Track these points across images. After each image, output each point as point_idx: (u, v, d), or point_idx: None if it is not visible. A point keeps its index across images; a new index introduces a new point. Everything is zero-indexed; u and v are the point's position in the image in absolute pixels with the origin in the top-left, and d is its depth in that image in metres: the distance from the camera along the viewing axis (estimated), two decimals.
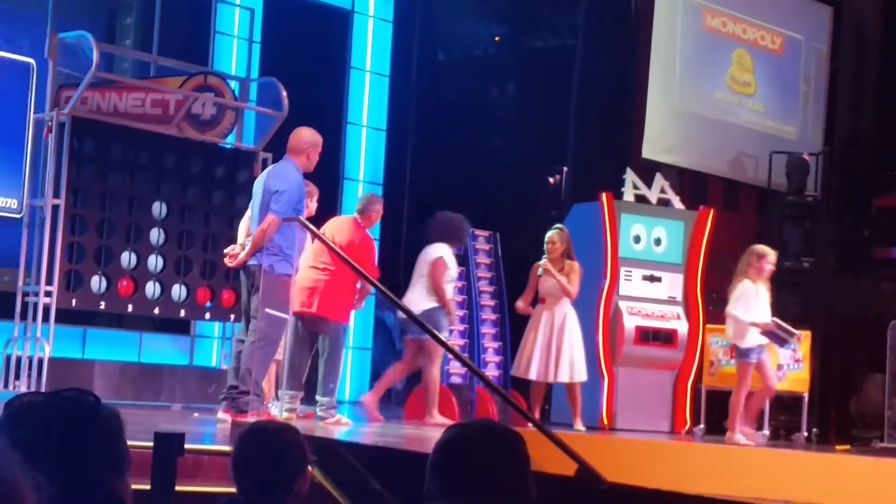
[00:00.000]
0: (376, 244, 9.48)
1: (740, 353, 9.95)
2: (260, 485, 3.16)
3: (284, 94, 10.28)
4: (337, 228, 8.76)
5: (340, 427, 8.17)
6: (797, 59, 14.25)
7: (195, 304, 9.95)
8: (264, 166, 10.25)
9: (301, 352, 8.39)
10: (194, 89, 10.31)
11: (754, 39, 13.89)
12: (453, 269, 9.35)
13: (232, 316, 10.17)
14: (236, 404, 7.50)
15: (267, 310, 7.44)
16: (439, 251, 9.26)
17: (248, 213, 8.09)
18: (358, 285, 8.51)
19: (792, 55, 14.16)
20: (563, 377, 9.62)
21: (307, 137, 7.88)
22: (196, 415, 8.68)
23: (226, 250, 7.98)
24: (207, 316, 10.16)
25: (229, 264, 7.92)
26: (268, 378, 8.99)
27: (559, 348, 9.55)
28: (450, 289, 9.31)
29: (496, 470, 2.54)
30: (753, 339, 9.84)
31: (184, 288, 9.88)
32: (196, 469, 5.34)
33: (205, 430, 7.64)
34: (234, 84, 10.85)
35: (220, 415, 7.67)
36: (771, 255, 10.04)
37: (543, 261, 9.69)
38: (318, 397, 8.42)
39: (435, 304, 9.14)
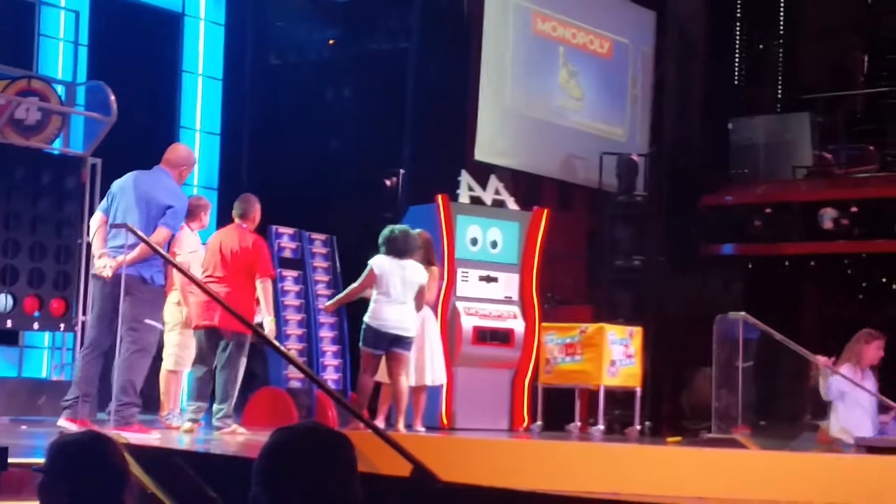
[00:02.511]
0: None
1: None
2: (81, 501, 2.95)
3: (113, 98, 10.05)
4: (227, 236, 8.64)
5: (236, 437, 8.05)
6: (625, 63, 14.60)
7: (23, 313, 9.64)
8: (93, 172, 10.02)
9: (206, 365, 8.42)
10: (18, 94, 10.01)
11: (583, 44, 14.18)
12: None
13: (62, 325, 9.90)
14: (121, 416, 7.26)
15: (147, 321, 7.28)
16: (426, 273, 9.20)
17: (99, 217, 7.72)
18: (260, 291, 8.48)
19: (620, 59, 14.50)
20: (426, 380, 9.66)
21: (184, 154, 7.80)
22: (24, 427, 8.43)
23: (98, 264, 7.62)
24: (36, 326, 9.86)
25: (106, 274, 7.52)
26: (166, 390, 8.85)
27: (420, 352, 9.58)
28: None
29: (319, 473, 2.55)
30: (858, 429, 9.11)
31: (10, 298, 9.57)
32: (21, 484, 5.17)
33: (33, 443, 7.42)
34: (60, 88, 10.56)
35: (62, 422, 7.39)
36: (881, 339, 9.36)
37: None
38: (215, 406, 8.37)
39: None
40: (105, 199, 7.79)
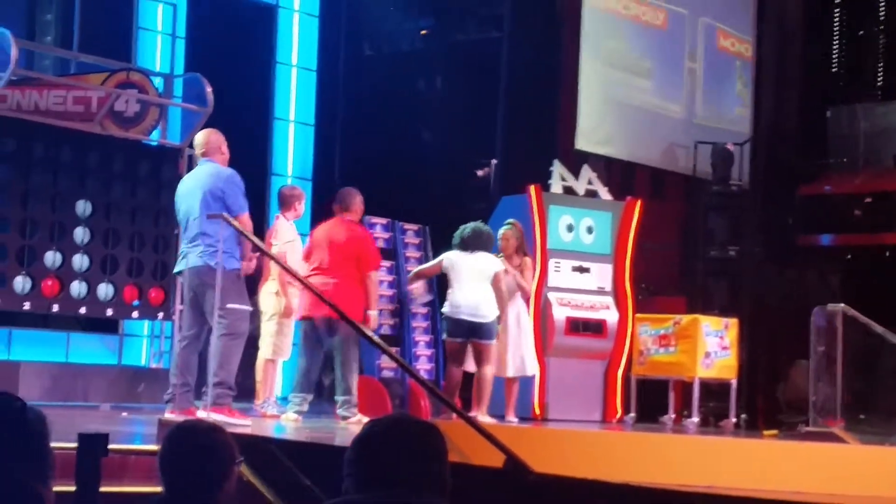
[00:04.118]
0: (304, 238, 9.42)
1: None
2: (188, 485, 3.09)
3: (209, 89, 10.18)
4: (334, 229, 8.72)
5: (340, 425, 8.14)
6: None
7: (122, 302, 9.83)
8: (190, 163, 10.15)
9: (312, 355, 8.55)
10: (117, 86, 10.19)
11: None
12: None
13: (160, 314, 10.07)
14: (213, 398, 7.31)
15: (229, 305, 7.36)
16: (499, 263, 9.22)
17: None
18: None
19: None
20: (527, 370, 9.70)
21: (213, 138, 7.78)
22: (124, 414, 8.59)
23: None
24: (135, 314, 10.05)
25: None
26: (263, 379, 8.97)
27: (518, 343, 9.59)
28: None
29: (410, 463, 2.56)
30: None
31: (110, 287, 9.76)
32: (122, 470, 5.28)
33: (133, 429, 7.57)
34: (157, 80, 10.73)
35: (168, 416, 7.45)
36: None
37: (500, 257, 9.64)
38: (337, 397, 8.52)
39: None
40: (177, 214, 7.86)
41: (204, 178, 7.61)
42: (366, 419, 8.33)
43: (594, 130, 12.84)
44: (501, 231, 9.72)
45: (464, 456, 4.54)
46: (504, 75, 13.15)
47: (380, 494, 2.55)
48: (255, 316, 8.59)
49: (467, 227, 9.29)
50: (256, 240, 7.26)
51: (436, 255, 10.73)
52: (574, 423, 10.53)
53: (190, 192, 7.64)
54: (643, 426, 10.64)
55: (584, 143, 12.61)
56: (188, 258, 7.52)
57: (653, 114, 13.54)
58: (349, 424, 8.24)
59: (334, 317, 8.29)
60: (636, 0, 13.48)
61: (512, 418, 9.64)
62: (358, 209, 8.89)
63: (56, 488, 3.49)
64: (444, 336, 9.27)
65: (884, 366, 11.06)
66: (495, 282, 9.12)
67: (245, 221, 7.47)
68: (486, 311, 9.04)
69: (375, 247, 8.93)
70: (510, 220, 9.86)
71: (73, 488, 4.26)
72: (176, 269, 7.85)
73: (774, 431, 10.91)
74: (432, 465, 2.60)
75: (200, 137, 7.81)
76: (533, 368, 9.89)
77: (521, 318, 9.69)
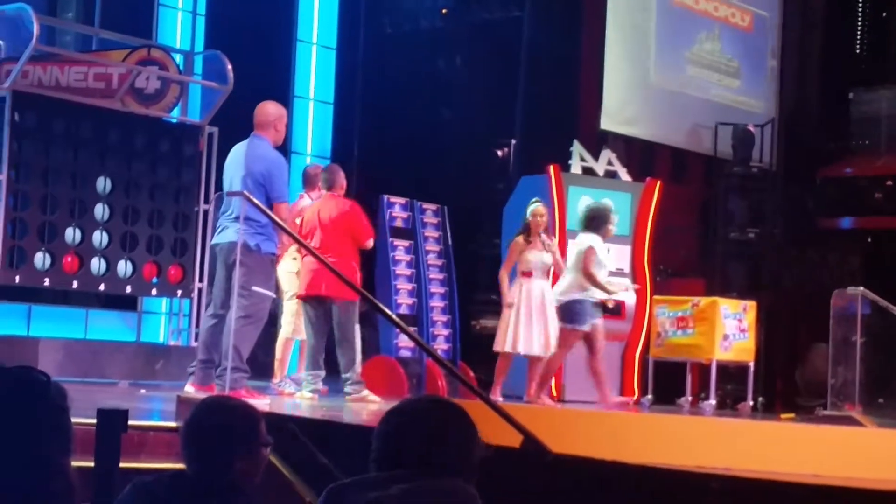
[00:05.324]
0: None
1: None
2: (205, 459, 3.09)
3: (229, 67, 10.18)
4: (323, 206, 8.74)
5: (366, 404, 8.16)
6: (765, 34, 14.42)
7: (141, 279, 9.86)
8: (210, 140, 10.18)
9: (316, 334, 8.58)
10: (138, 63, 10.20)
11: (724, 17, 14.07)
12: (604, 257, 9.46)
13: (179, 291, 10.10)
14: (225, 381, 7.34)
15: (254, 288, 7.35)
16: (589, 240, 9.41)
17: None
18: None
19: (761, 31, 14.34)
20: (547, 349, 9.72)
21: (272, 111, 7.78)
22: (143, 391, 8.63)
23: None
24: (154, 292, 10.08)
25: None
26: (281, 357, 9.01)
27: (545, 322, 9.57)
28: (602, 274, 9.45)
29: (434, 445, 2.58)
30: None
31: (129, 264, 9.78)
32: (141, 446, 5.31)
33: (151, 406, 7.61)
34: (178, 57, 10.73)
35: (188, 388, 7.48)
36: None
37: (544, 237, 9.67)
38: (343, 375, 8.55)
39: (578, 296, 9.35)
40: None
41: (247, 159, 7.55)
42: (375, 397, 8.38)
43: (619, 110, 12.78)
44: (536, 207, 9.59)
45: (482, 435, 4.55)
46: (525, 55, 13.09)
47: (401, 474, 2.56)
48: (276, 295, 8.61)
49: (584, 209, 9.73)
50: (284, 225, 7.23)
51: (454, 234, 10.76)
52: (591, 404, 10.53)
53: (234, 166, 7.62)
54: (660, 408, 10.63)
55: (608, 122, 12.56)
56: (226, 232, 7.51)
57: (680, 95, 13.43)
58: (352, 402, 8.24)
59: (328, 295, 8.34)
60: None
61: (549, 401, 9.62)
62: (343, 184, 8.91)
63: (75, 463, 3.51)
64: None
65: None
66: (583, 260, 9.36)
67: (284, 209, 7.46)
68: (560, 294, 9.46)
69: (366, 217, 8.90)
70: (537, 199, 9.78)
71: (91, 464, 4.28)
72: (213, 242, 7.83)
73: (792, 415, 10.89)
74: (457, 449, 2.61)
75: (259, 107, 7.79)
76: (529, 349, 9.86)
77: (547, 296, 9.66)
